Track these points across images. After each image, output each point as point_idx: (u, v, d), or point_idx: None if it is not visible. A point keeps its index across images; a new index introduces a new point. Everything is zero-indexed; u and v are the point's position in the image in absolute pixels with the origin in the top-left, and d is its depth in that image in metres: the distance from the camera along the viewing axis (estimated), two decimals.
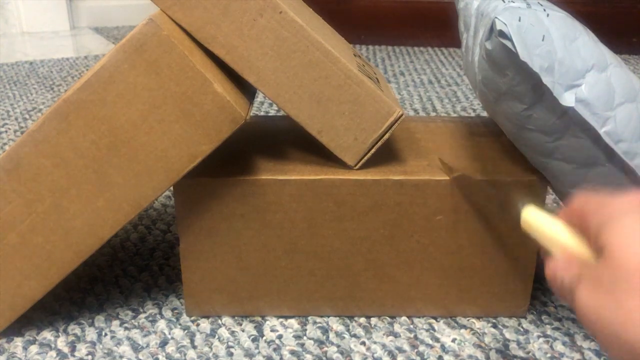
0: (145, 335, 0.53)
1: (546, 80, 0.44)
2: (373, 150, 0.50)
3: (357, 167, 0.51)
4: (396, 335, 0.53)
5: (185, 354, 0.51)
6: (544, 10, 0.45)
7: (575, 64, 0.44)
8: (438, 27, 1.62)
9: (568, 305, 0.32)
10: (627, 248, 0.28)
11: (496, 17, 0.44)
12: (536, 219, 0.38)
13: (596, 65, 0.45)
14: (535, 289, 0.58)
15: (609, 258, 0.28)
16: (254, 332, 0.53)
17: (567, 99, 0.44)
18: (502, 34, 0.43)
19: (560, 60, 0.44)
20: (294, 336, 0.53)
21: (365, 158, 0.51)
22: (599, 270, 0.29)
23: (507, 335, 0.53)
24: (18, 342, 0.52)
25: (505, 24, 0.43)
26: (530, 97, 0.45)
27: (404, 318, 0.55)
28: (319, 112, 0.49)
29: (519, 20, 0.43)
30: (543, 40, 0.43)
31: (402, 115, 0.50)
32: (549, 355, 0.51)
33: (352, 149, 0.50)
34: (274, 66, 0.48)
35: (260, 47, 0.47)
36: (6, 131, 1.02)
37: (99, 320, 0.55)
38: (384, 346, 0.52)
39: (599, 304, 0.28)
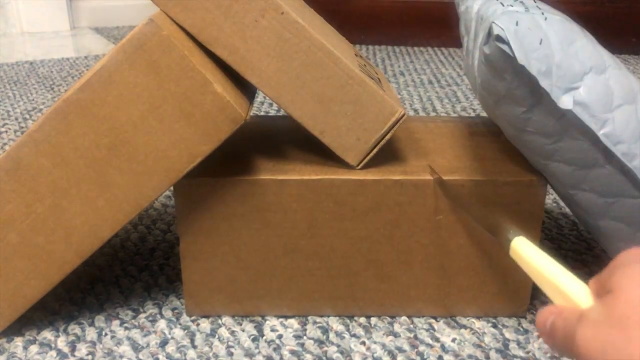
0: (145, 335, 0.53)
1: (544, 83, 0.44)
2: (375, 150, 0.51)
3: (359, 167, 0.51)
4: (396, 335, 0.53)
5: (185, 354, 0.51)
6: (542, 13, 0.45)
7: (573, 67, 0.44)
8: (438, 27, 1.62)
9: (561, 354, 0.32)
10: (637, 284, 0.29)
11: (493, 22, 0.44)
12: (527, 253, 0.38)
13: (594, 68, 0.45)
14: (535, 288, 0.58)
15: (618, 296, 0.29)
16: (254, 332, 0.53)
17: (565, 102, 0.44)
18: (499, 39, 0.43)
19: (558, 64, 0.44)
20: (294, 336, 0.53)
21: (368, 158, 0.51)
22: (605, 309, 0.29)
23: (507, 335, 0.53)
24: (18, 341, 0.52)
25: (503, 29, 0.43)
26: (529, 100, 0.45)
27: (403, 318, 0.55)
28: (321, 112, 0.49)
29: (517, 24, 0.43)
30: (540, 43, 0.43)
31: (404, 115, 0.50)
32: (548, 355, 0.51)
33: (355, 149, 0.50)
34: (276, 67, 0.48)
35: (262, 48, 0.47)
36: (6, 131, 1.02)
37: (99, 320, 0.55)
38: (384, 346, 0.52)
39: (606, 341, 0.28)
